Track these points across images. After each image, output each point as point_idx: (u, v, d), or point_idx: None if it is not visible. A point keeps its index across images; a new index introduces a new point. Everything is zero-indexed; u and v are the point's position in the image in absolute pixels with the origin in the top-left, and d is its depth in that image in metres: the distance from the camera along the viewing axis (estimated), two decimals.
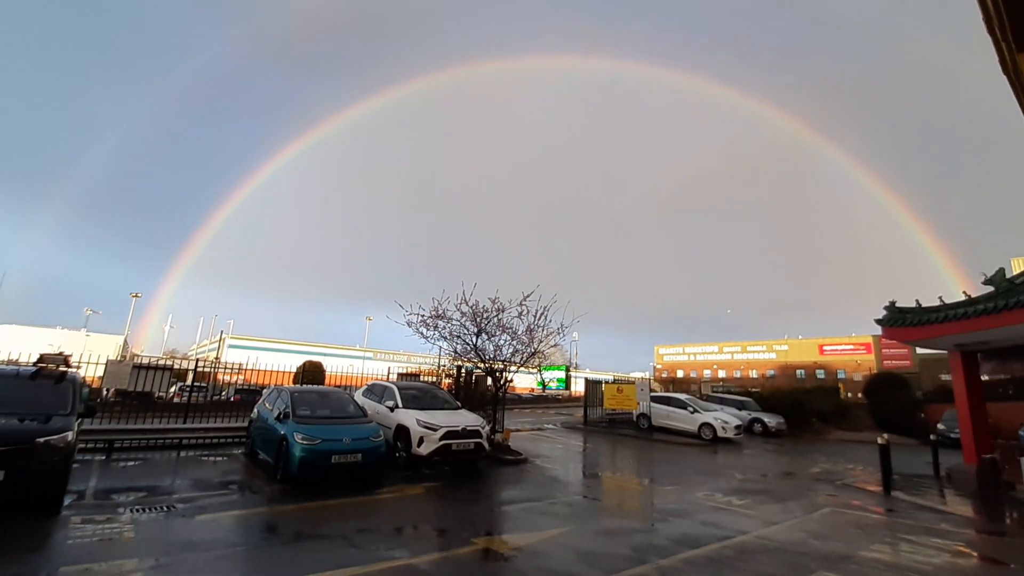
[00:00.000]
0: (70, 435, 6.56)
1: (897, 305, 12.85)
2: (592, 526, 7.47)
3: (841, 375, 70.57)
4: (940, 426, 19.51)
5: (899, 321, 12.55)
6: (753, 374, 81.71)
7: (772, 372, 79.09)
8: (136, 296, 58.71)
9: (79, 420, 7.16)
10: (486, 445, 11.39)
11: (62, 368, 7.84)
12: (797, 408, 24.68)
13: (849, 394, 41.16)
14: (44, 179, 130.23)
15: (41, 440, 6.25)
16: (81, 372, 9.40)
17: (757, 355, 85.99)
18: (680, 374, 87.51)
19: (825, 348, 78.86)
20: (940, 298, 11.92)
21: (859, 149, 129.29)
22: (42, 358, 8.17)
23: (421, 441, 10.46)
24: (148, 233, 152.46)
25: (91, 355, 12.92)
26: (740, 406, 23.99)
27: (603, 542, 6.64)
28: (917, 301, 12.43)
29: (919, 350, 49.97)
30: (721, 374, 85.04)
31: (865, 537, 7.46)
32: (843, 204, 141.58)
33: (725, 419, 19.35)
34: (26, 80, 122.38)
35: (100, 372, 12.92)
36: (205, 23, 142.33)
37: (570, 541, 6.58)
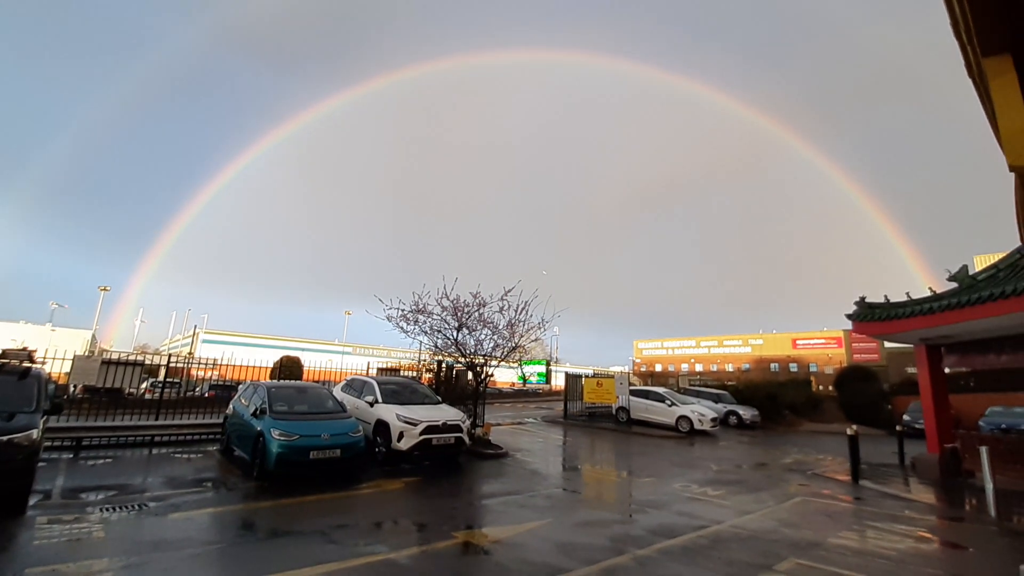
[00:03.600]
0: (35, 433, 6.39)
1: (867, 300, 13.19)
2: (571, 518, 7.53)
3: (813, 368, 72.28)
4: (906, 417, 20.14)
5: (868, 316, 12.88)
6: (729, 368, 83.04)
7: (747, 366, 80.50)
8: (105, 290, 57.07)
9: (44, 417, 6.94)
10: (466, 439, 11.40)
11: (26, 364, 7.59)
12: (771, 401, 25.16)
13: (820, 387, 42.15)
14: (8, 168, 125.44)
15: (3, 438, 6.09)
16: (46, 368, 9.13)
17: (733, 349, 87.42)
18: (659, 368, 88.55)
19: (798, 342, 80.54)
20: (907, 294, 12.28)
21: (833, 150, 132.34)
22: (4, 353, 7.89)
23: (401, 436, 10.42)
24: (118, 225, 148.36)
25: (57, 350, 12.54)
26: (716, 399, 24.39)
27: (582, 534, 6.71)
28: (886, 296, 12.78)
29: (887, 344, 51.53)
30: (698, 368, 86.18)
31: (834, 525, 7.69)
32: (817, 203, 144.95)
33: (702, 412, 19.67)
34: None
35: (67, 368, 12.56)
36: (176, 11, 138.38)
37: (549, 533, 6.63)
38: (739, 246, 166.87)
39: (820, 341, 78.18)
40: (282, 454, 8.45)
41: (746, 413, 23.43)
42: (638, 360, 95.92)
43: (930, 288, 12.01)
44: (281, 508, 7.33)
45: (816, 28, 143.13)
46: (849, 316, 13.49)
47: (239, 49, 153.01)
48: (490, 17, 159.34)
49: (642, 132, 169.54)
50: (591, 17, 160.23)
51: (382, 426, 10.81)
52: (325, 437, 8.93)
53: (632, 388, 21.83)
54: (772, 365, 77.27)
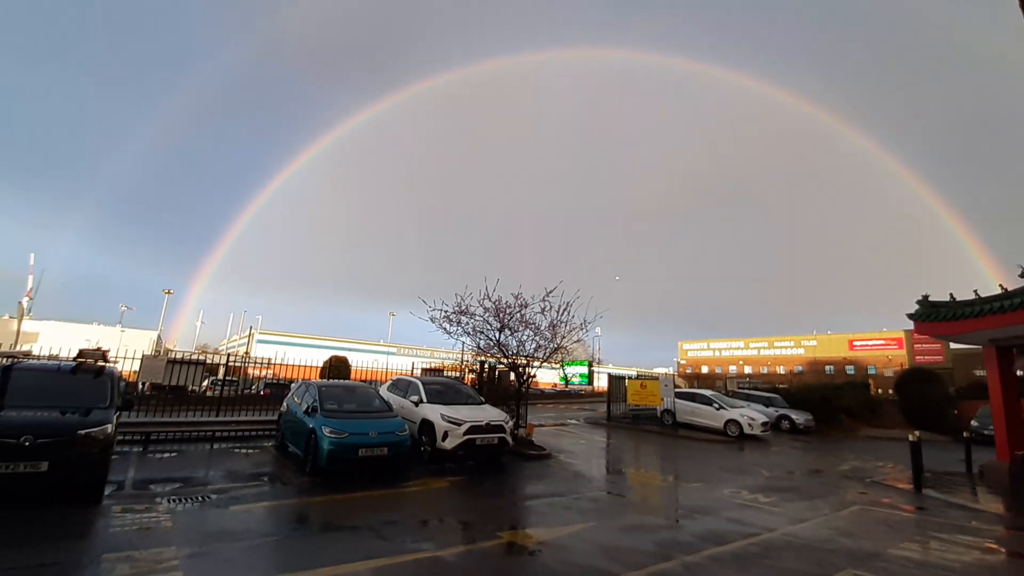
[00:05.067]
0: (109, 427, 6.83)
1: (930, 299, 12.52)
2: (617, 522, 7.47)
3: (872, 371, 69.00)
4: (974, 423, 19.03)
5: (932, 316, 12.22)
6: (780, 370, 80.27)
7: (800, 368, 77.55)
8: (169, 293, 60.73)
9: (117, 413, 7.42)
10: (509, 440, 11.47)
11: (100, 363, 8.10)
12: (826, 404, 24.16)
13: (879, 390, 40.15)
14: (81, 181, 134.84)
15: (82, 432, 6.52)
16: (118, 367, 9.74)
17: (785, 351, 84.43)
18: (705, 370, 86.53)
19: (855, 343, 77.06)
20: (975, 291, 11.59)
21: (891, 139, 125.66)
22: (81, 353, 8.44)
23: (445, 436, 10.57)
24: (180, 232, 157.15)
25: (126, 350, 13.38)
26: (767, 402, 23.59)
27: (628, 538, 6.65)
28: (951, 295, 12.10)
29: (952, 345, 48.61)
30: (747, 370, 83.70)
31: (895, 535, 7.33)
32: (875, 196, 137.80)
33: (752, 416, 19.08)
34: (64, 86, 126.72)
35: (136, 367, 13.38)
36: (232, 31, 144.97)
37: (595, 536, 6.61)
38: (791, 243, 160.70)
39: (879, 342, 74.58)
40: (333, 451, 8.73)
41: (799, 417, 22.58)
42: (683, 362, 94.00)
43: (1001, 285, 11.27)
44: (333, 503, 7.59)
45: (871, 6, 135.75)
46: (911, 316, 12.84)
47: (284, 66, 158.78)
48: (527, 20, 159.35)
49: (686, 126, 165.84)
50: (627, 9, 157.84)
51: (427, 425, 11.00)
52: (373, 435, 9.17)
53: (677, 390, 21.39)
54: (827, 367, 74.18)
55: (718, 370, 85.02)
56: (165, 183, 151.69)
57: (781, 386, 31.68)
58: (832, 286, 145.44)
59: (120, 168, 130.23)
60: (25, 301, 58.32)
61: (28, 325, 56.10)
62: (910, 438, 11.12)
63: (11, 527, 5.64)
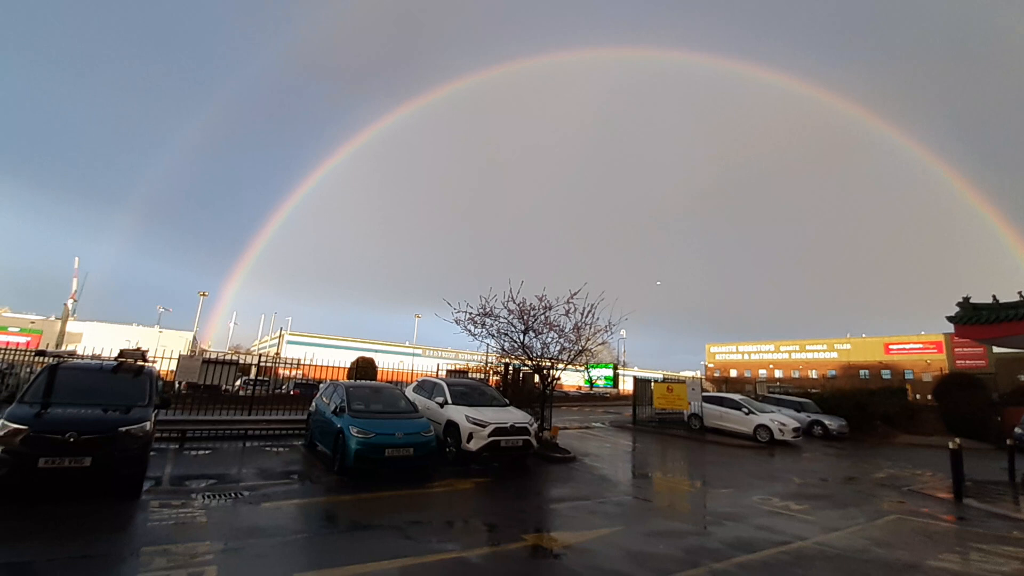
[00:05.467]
0: (148, 425, 7.08)
1: (971, 301, 12.07)
2: (643, 527, 7.40)
3: (909, 375, 66.62)
4: (1017, 430, 18.16)
5: (973, 318, 11.79)
6: (813, 374, 78.17)
7: (833, 372, 75.50)
8: (204, 295, 62.63)
9: (155, 411, 7.68)
10: (534, 442, 11.46)
11: (140, 362, 8.42)
12: (860, 410, 23.46)
13: (917, 396, 38.76)
14: (122, 187, 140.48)
15: (123, 429, 6.78)
16: (156, 366, 10.08)
17: (817, 354, 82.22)
18: (733, 373, 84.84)
19: (891, 347, 74.58)
20: (1019, 293, 11.14)
21: (929, 135, 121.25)
22: (122, 353, 8.78)
23: (470, 437, 10.63)
24: (215, 235, 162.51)
25: (164, 350, 13.85)
26: (798, 408, 23.04)
27: (654, 543, 6.58)
28: (993, 296, 11.66)
29: (996, 349, 46.59)
30: (778, 374, 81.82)
31: (933, 546, 7.09)
32: (912, 194, 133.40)
33: (782, 421, 18.62)
34: (103, 97, 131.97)
35: (172, 366, 13.82)
36: (264, 42, 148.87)
37: (620, 541, 6.56)
38: (824, 243, 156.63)
39: (917, 346, 72.01)
40: (360, 451, 8.86)
41: (832, 423, 21.98)
42: (711, 365, 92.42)
43: None
44: (360, 502, 7.71)
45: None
46: (950, 319, 12.43)
47: (313, 72, 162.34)
48: (547, 21, 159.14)
49: (713, 126, 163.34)
50: (652, 8, 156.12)
51: (452, 427, 11.07)
52: (399, 436, 9.28)
53: (705, 394, 21.06)
54: (862, 372, 71.96)
55: (747, 374, 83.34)
56: (200, 189, 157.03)
57: (813, 391, 30.83)
58: (867, 288, 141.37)
59: (158, 175, 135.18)
60: (70, 303, 60.84)
61: (72, 326, 58.49)
62: (950, 446, 10.71)
63: (57, 520, 5.88)
